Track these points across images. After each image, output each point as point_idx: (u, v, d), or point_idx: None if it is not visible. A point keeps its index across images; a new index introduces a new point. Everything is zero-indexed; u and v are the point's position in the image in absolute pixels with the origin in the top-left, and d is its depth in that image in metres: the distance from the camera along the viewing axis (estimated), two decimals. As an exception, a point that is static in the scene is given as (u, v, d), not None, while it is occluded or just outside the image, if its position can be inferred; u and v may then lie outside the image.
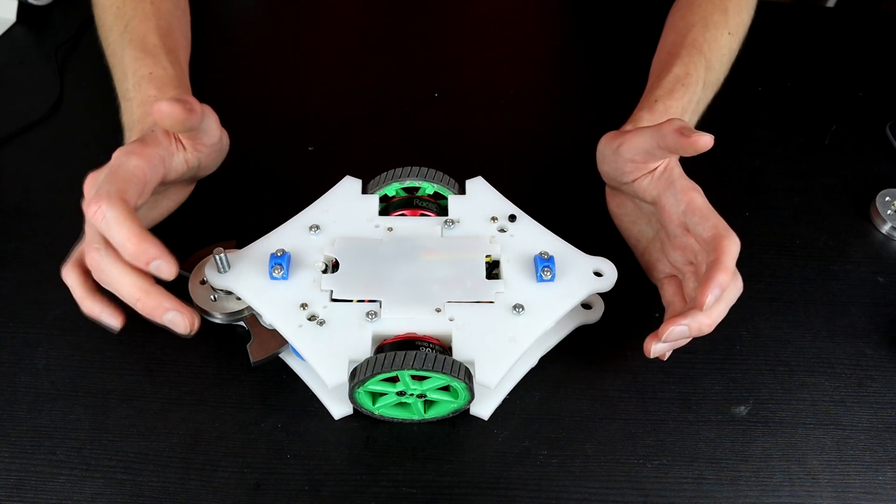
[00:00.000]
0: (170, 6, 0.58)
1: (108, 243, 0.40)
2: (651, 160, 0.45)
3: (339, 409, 0.45)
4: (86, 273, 0.43)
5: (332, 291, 0.44)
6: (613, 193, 0.52)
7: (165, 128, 0.44)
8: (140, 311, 0.41)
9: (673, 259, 0.47)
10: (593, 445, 0.45)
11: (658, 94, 0.52)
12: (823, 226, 0.58)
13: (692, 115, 0.53)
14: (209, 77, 0.56)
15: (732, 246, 0.42)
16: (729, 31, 0.57)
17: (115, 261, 0.40)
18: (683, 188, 0.45)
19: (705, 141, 0.41)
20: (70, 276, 0.43)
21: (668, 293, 0.47)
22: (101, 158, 0.59)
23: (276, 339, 0.46)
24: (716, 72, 0.56)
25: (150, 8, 0.55)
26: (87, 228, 0.41)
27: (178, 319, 0.40)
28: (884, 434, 0.46)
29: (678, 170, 0.46)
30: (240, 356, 0.48)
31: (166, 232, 0.54)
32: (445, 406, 0.44)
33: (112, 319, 0.43)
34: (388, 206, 0.50)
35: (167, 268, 0.39)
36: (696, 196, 0.44)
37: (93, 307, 0.43)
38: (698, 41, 0.55)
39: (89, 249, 0.41)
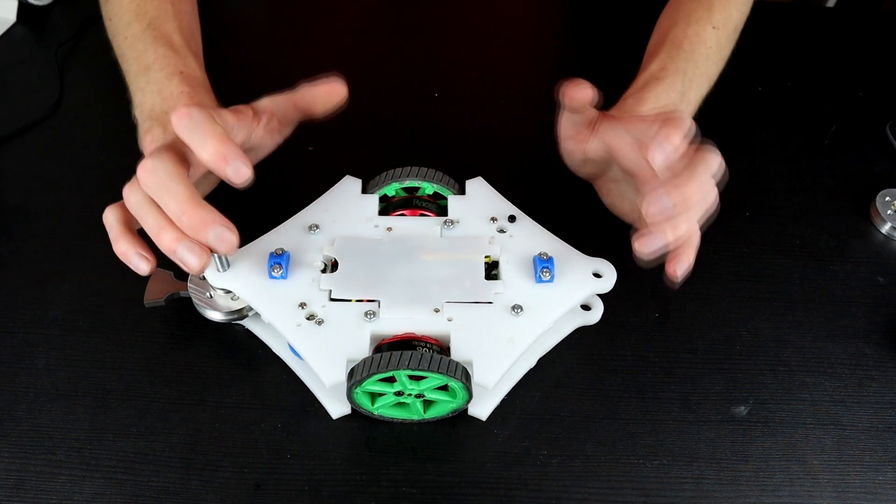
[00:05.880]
0: (189, 8, 0.58)
1: (170, 151, 0.41)
2: (578, 127, 0.48)
3: (337, 408, 0.45)
4: (126, 214, 0.43)
5: (330, 291, 0.44)
6: (599, 187, 0.53)
7: (319, 106, 0.48)
8: (184, 227, 0.40)
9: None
10: (593, 445, 0.45)
11: (630, 92, 0.53)
12: (823, 226, 0.58)
13: (676, 105, 0.53)
14: (208, 76, 0.57)
15: (677, 116, 0.42)
16: (713, 26, 0.57)
17: (175, 168, 0.40)
18: (620, 120, 0.46)
19: (581, 90, 0.43)
20: (110, 214, 0.43)
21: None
22: (101, 158, 0.60)
23: (172, 284, 0.48)
24: (700, 65, 0.55)
25: (172, 9, 0.55)
26: (151, 141, 0.42)
27: (226, 236, 0.40)
28: (884, 434, 0.46)
29: (611, 115, 0.48)
30: (240, 356, 0.48)
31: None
32: (444, 406, 0.44)
33: (141, 261, 0.42)
34: (387, 206, 0.50)
35: (245, 170, 0.40)
36: (632, 117, 0.46)
37: (127, 247, 0.42)
38: (678, 37, 0.55)
39: (149, 156, 0.41)
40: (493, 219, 0.49)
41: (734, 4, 0.59)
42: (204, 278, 0.45)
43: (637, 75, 0.54)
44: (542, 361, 0.48)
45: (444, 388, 0.43)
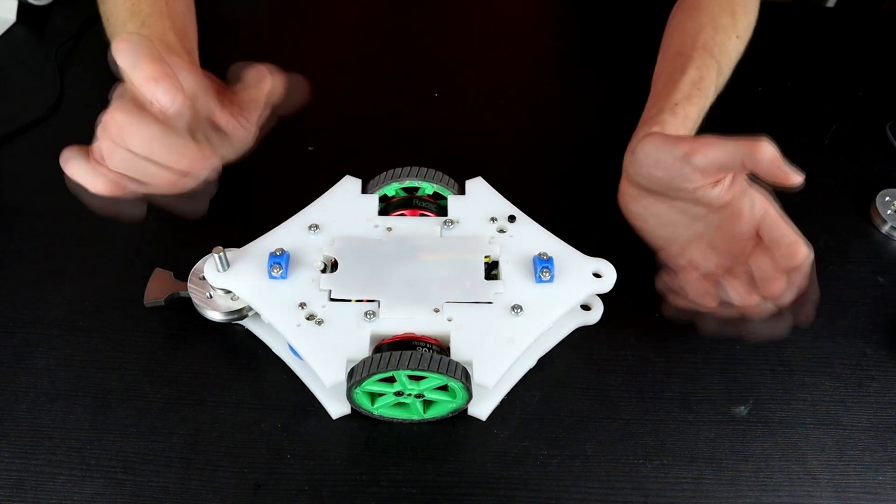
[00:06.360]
0: (183, 7, 0.59)
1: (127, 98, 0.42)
2: (722, 173, 0.44)
3: (336, 408, 0.45)
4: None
5: (330, 291, 0.44)
6: (640, 195, 0.50)
7: (271, 96, 0.51)
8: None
9: (724, 260, 0.47)
10: (593, 445, 0.45)
11: (678, 98, 0.50)
12: (823, 226, 0.58)
13: (700, 122, 0.52)
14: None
15: (810, 255, 0.43)
16: (737, 35, 0.56)
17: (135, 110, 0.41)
18: (759, 195, 0.45)
19: (799, 181, 0.42)
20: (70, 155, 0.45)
21: (691, 277, 0.46)
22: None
23: (172, 284, 0.48)
24: (724, 76, 0.55)
25: (166, 8, 0.56)
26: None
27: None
28: (884, 434, 0.46)
29: (745, 175, 0.46)
30: (240, 356, 0.48)
31: (167, 229, 0.55)
32: (444, 406, 0.44)
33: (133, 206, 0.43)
34: (387, 206, 0.50)
35: (175, 92, 0.40)
36: (770, 204, 0.45)
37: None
38: (709, 44, 0.54)
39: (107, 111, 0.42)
40: (493, 219, 0.49)
41: (751, 12, 0.59)
42: (204, 278, 0.45)
43: (671, 76, 0.53)
44: (542, 361, 0.48)
45: (443, 388, 0.43)
